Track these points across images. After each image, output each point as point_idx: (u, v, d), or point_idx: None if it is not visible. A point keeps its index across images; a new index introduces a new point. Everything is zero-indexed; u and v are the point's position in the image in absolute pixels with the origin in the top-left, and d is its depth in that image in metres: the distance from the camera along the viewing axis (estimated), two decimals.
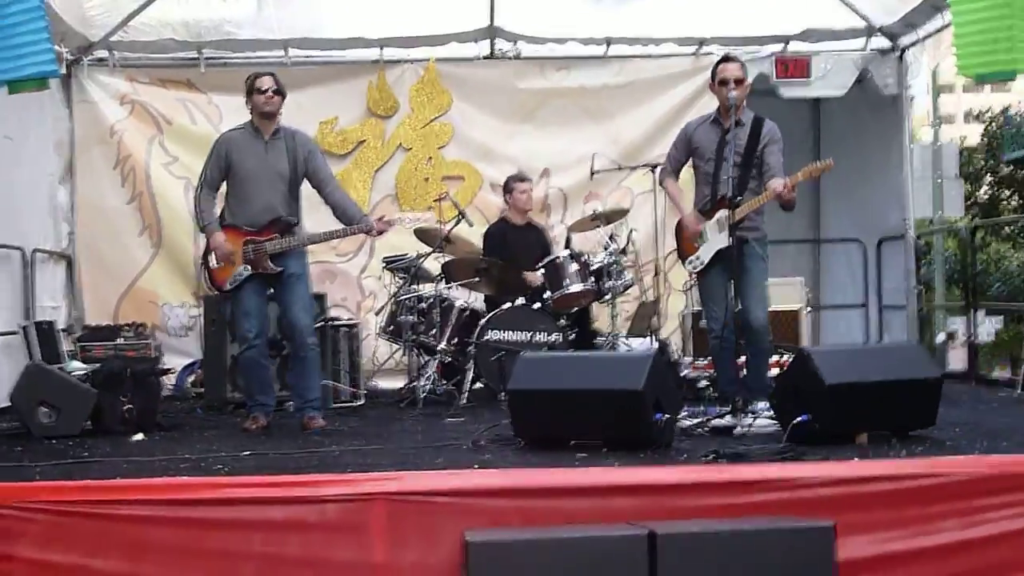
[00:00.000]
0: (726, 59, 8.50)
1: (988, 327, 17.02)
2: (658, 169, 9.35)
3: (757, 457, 6.24)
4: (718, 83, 8.34)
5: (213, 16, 11.93)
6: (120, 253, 11.82)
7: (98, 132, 11.80)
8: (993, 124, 32.10)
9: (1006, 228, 29.02)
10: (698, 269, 8.42)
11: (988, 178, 32.32)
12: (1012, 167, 30.78)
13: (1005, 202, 31.58)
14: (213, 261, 8.41)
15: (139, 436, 7.87)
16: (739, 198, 8.03)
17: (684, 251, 8.58)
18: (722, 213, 8.06)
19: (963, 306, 12.80)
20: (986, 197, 31.92)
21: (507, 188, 10.96)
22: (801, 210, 11.41)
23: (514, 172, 11.47)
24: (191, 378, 11.12)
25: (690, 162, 8.63)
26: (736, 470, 5.86)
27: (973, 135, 37.27)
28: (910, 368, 7.11)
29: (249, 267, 8.29)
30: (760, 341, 8.21)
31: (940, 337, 17.54)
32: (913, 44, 11.84)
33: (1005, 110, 31.27)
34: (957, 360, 16.62)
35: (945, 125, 22.27)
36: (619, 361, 7.69)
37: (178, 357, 11.47)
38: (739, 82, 8.26)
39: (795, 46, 12.17)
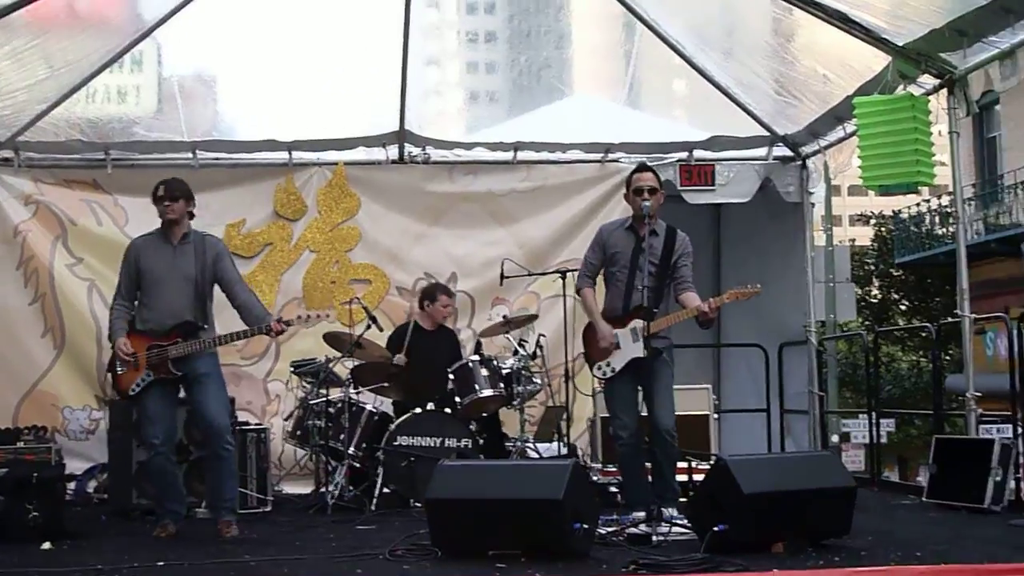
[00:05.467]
0: (641, 168, 8.61)
1: (881, 429, 17.28)
2: (574, 275, 9.25)
3: (678, 568, 6.27)
4: (632, 191, 8.44)
5: (121, 116, 11.86)
6: (21, 355, 11.51)
7: (1, 232, 11.57)
8: (883, 229, 32.75)
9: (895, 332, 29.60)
10: (607, 376, 8.45)
11: (877, 281, 32.97)
12: (901, 271, 31.42)
13: (894, 306, 32.22)
14: (117, 367, 8.34)
15: (47, 544, 7.68)
16: (655, 309, 8.15)
17: (593, 356, 8.60)
18: (637, 323, 8.18)
19: (864, 410, 12.94)
20: (876, 300, 32.54)
21: (430, 296, 10.93)
22: None
23: (422, 277, 11.59)
24: (92, 483, 10.88)
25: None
26: None
27: (860, 237, 38.05)
28: (825, 477, 7.26)
29: (152, 372, 8.23)
30: (669, 447, 8.27)
31: (834, 439, 17.79)
32: (815, 153, 12.04)
33: (896, 213, 31.88)
34: (849, 462, 16.87)
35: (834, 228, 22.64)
36: (538, 470, 7.61)
37: (78, 461, 11.11)
38: (653, 191, 8.38)
39: (700, 154, 12.33)
